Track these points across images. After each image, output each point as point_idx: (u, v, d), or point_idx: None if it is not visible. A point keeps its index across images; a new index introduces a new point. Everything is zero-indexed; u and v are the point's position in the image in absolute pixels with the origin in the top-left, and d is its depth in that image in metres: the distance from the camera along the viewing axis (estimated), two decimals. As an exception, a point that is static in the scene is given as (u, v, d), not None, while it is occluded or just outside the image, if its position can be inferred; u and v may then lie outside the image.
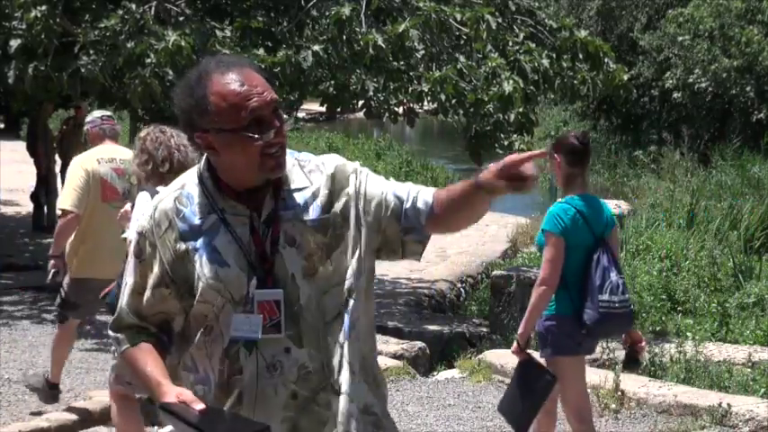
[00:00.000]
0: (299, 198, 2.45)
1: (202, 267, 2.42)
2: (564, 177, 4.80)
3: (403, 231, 2.51)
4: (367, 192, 2.50)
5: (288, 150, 2.48)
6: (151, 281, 2.48)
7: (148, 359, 2.48)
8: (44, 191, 13.34)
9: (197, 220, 2.44)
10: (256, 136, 2.36)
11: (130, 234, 4.34)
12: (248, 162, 2.38)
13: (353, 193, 2.49)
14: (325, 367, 2.42)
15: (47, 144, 13.37)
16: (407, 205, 2.51)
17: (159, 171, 4.62)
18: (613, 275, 4.54)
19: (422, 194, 2.52)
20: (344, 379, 2.44)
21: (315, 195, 2.46)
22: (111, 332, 2.58)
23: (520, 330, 4.61)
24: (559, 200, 4.81)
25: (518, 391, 4.66)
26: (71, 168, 5.99)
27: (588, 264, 4.56)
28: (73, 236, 5.88)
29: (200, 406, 2.33)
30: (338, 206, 2.47)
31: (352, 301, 2.46)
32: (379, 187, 2.52)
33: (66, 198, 5.88)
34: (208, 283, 2.41)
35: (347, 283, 2.45)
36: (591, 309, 4.50)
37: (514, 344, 4.65)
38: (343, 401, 2.43)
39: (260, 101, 2.37)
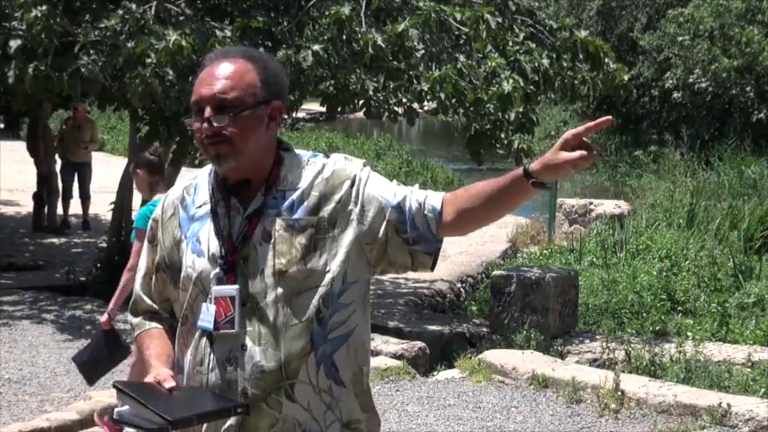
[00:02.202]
0: (289, 196, 2.42)
1: (186, 255, 2.47)
2: (147, 185, 5.79)
3: (409, 241, 2.43)
4: (364, 199, 2.43)
5: (303, 152, 2.51)
6: (155, 265, 2.55)
7: (153, 343, 2.54)
8: (45, 191, 13.36)
9: (193, 210, 2.49)
10: (188, 122, 2.43)
11: None
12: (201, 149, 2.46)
13: (347, 200, 2.42)
14: (283, 369, 2.37)
15: (47, 144, 13.39)
16: (412, 213, 2.42)
17: None
18: None
19: (429, 200, 2.43)
20: (303, 389, 2.38)
21: (304, 195, 2.42)
22: (129, 317, 2.64)
23: (110, 306, 5.69)
24: (146, 203, 5.75)
25: (100, 353, 5.82)
26: None
27: None
28: None
29: (169, 384, 2.36)
30: (326, 210, 2.41)
31: (341, 309, 2.41)
32: (378, 194, 2.43)
33: None
34: (186, 272, 2.46)
35: (323, 290, 2.38)
36: None
37: (105, 316, 5.74)
38: (292, 409, 2.38)
39: (205, 91, 2.40)
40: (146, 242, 2.58)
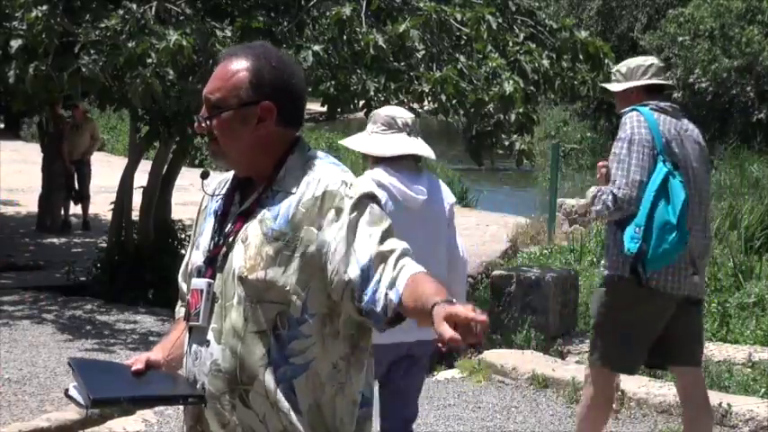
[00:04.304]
0: (279, 201, 2.39)
1: (193, 247, 2.55)
2: None
3: (361, 312, 2.27)
4: (339, 242, 2.29)
5: (314, 152, 2.46)
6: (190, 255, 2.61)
7: (172, 330, 2.63)
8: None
9: (214, 203, 2.54)
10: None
11: None
12: None
13: (326, 233, 2.32)
14: (238, 373, 2.35)
15: (62, 143, 13.31)
16: (377, 286, 2.23)
17: None
18: None
19: (399, 279, 2.21)
20: (258, 400, 2.35)
21: (290, 207, 2.36)
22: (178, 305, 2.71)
23: None
24: None
25: None
26: None
27: None
28: None
29: (136, 366, 2.44)
30: (304, 230, 2.34)
31: (301, 338, 2.34)
32: (354, 245, 2.28)
33: None
34: (192, 263, 2.52)
35: (281, 308, 2.33)
36: None
37: None
38: (246, 415, 2.37)
39: (205, 89, 2.46)
40: (193, 233, 2.66)
